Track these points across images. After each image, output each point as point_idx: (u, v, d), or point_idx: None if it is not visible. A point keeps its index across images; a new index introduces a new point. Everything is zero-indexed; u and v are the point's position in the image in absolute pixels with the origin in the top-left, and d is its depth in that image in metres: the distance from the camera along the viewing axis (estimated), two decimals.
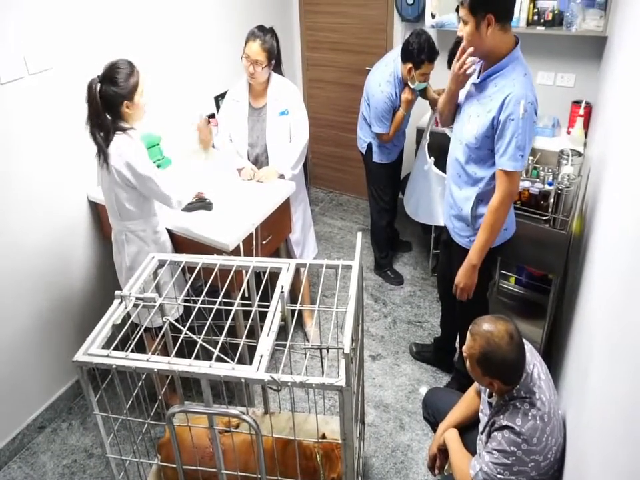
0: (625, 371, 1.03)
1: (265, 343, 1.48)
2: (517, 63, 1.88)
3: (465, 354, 1.64)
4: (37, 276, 2.42)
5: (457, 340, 2.70)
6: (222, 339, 1.54)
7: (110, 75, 1.94)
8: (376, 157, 3.16)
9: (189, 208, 2.34)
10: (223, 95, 2.99)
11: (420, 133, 3.18)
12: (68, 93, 2.33)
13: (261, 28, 2.49)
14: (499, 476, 1.55)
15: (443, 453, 1.88)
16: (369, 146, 3.15)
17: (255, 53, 2.46)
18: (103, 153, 2.02)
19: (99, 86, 1.93)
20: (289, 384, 1.37)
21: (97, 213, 2.63)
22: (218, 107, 3.13)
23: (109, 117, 2.00)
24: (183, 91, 3.03)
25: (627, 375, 1.02)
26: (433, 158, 2.85)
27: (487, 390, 1.71)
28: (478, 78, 1.98)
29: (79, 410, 2.70)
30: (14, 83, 2.14)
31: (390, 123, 3.00)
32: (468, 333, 1.62)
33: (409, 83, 2.88)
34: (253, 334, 1.93)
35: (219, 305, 1.64)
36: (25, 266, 2.36)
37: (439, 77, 2.95)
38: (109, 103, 1.96)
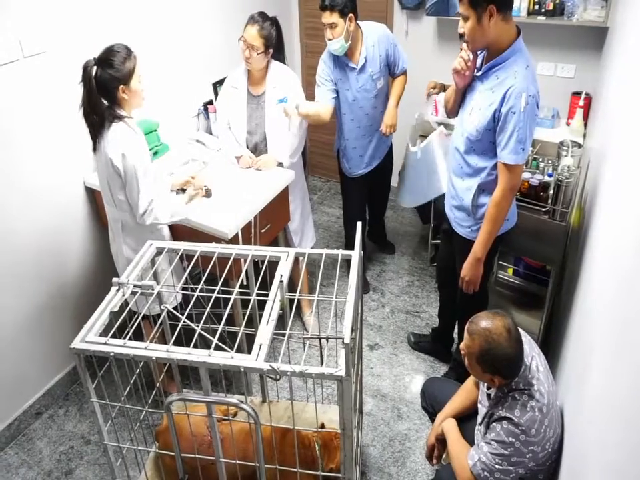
0: (627, 364, 1.03)
1: (264, 332, 1.47)
2: (520, 54, 1.85)
3: (462, 352, 1.64)
4: (32, 263, 2.40)
5: (455, 330, 2.70)
6: (220, 327, 1.53)
7: (106, 57, 1.90)
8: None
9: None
10: (221, 82, 2.96)
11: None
12: (62, 76, 2.30)
13: (262, 14, 2.46)
14: (497, 466, 1.56)
15: (441, 443, 1.89)
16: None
17: (252, 37, 2.43)
18: (96, 138, 1.99)
19: (94, 69, 1.89)
20: (289, 373, 1.37)
21: (94, 199, 2.61)
22: (216, 94, 3.09)
23: (104, 102, 1.96)
24: (181, 77, 2.99)
25: (628, 368, 1.01)
26: (420, 140, 2.83)
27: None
28: (480, 70, 1.96)
29: (76, 396, 2.69)
30: (9, 66, 2.11)
31: None
32: (465, 332, 1.61)
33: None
34: (252, 323, 1.92)
35: (218, 293, 1.63)
36: (21, 253, 2.34)
37: (437, 69, 2.93)
38: (104, 86, 1.92)
